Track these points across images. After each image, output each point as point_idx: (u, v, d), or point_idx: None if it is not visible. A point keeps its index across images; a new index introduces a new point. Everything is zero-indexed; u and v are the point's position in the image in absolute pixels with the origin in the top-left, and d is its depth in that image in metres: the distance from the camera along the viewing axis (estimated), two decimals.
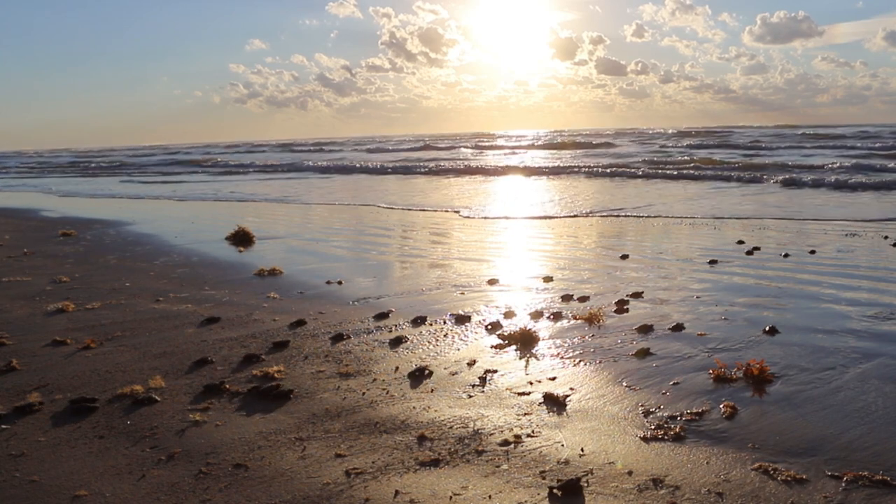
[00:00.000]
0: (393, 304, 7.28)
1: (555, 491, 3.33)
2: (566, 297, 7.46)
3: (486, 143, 68.74)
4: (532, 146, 60.34)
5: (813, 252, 10.03)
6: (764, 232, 12.61)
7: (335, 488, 3.41)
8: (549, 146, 58.35)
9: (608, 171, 29.60)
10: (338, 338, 6.06)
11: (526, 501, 3.28)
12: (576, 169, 31.21)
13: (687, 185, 23.07)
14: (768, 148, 42.37)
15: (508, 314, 6.76)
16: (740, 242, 11.08)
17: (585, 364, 5.29)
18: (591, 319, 6.46)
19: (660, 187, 22.83)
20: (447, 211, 17.68)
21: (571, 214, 16.14)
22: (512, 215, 16.36)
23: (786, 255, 9.88)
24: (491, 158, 44.71)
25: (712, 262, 9.42)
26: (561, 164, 34.24)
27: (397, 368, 5.22)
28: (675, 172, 26.81)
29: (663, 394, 4.64)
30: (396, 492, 3.37)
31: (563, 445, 3.87)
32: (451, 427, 4.13)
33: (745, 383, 4.80)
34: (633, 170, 29.41)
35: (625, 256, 10.00)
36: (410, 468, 3.62)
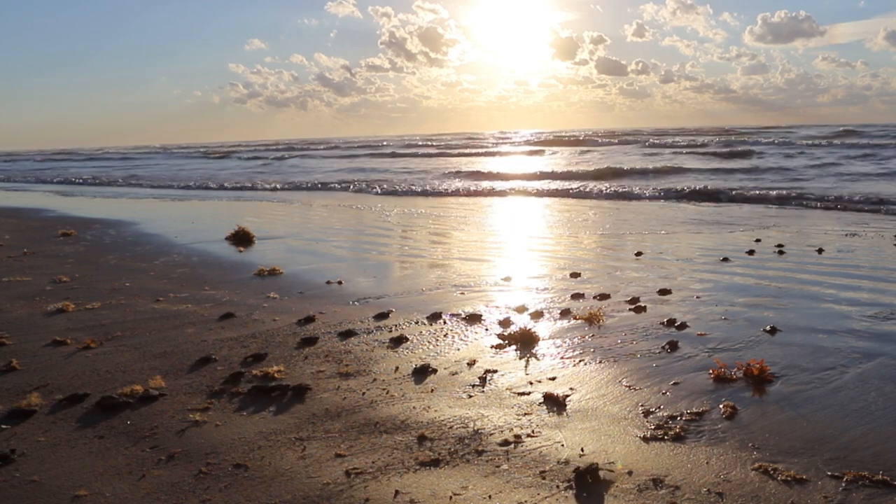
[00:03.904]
0: (393, 304, 7.27)
1: (572, 483, 3.39)
2: (565, 298, 7.46)
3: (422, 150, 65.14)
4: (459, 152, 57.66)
5: (820, 251, 10.10)
6: (764, 232, 12.61)
7: (335, 488, 3.41)
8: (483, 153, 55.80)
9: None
10: (338, 337, 6.07)
11: (526, 501, 3.28)
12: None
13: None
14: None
15: (508, 317, 6.76)
16: (757, 241, 11.27)
17: (585, 364, 5.29)
18: (591, 319, 6.46)
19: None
20: None
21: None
22: None
23: (780, 252, 9.98)
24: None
25: (724, 259, 9.59)
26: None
27: (397, 368, 5.23)
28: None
29: (663, 394, 4.64)
30: (396, 492, 3.37)
31: (563, 445, 3.87)
32: (451, 427, 4.13)
33: (745, 383, 4.80)
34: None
35: (625, 257, 10.01)
36: (410, 468, 3.62)
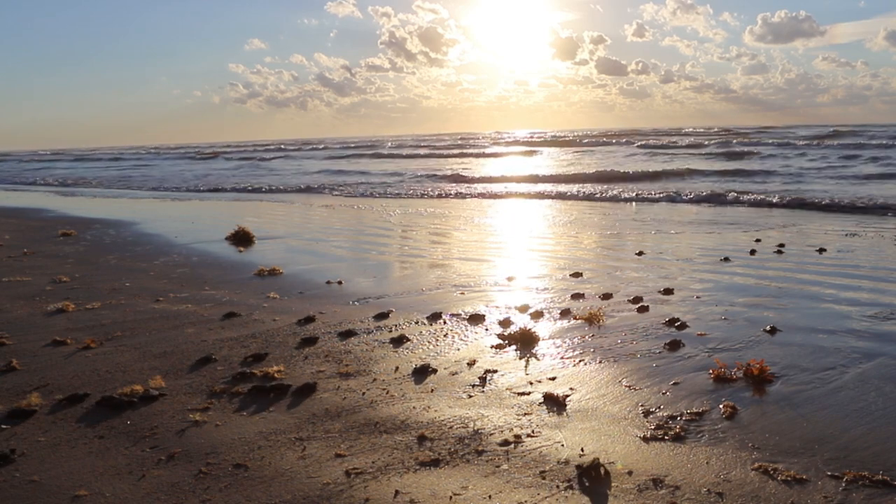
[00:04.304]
0: (393, 304, 7.27)
1: (582, 476, 3.44)
2: (565, 298, 7.46)
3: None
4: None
5: (821, 251, 10.16)
6: (764, 232, 12.61)
7: (335, 488, 3.41)
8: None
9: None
10: (338, 337, 6.07)
11: (526, 501, 3.28)
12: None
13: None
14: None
15: (508, 317, 6.76)
16: (758, 241, 11.34)
17: (585, 364, 5.29)
18: (591, 319, 6.46)
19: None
20: None
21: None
22: None
23: (780, 252, 10.02)
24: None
25: (725, 259, 9.64)
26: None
27: (397, 368, 5.22)
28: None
29: (663, 394, 4.64)
30: (396, 492, 3.37)
31: (563, 445, 3.87)
32: (451, 427, 4.13)
33: (745, 383, 4.80)
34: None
35: (625, 257, 10.01)
36: (410, 468, 3.62)
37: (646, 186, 24.21)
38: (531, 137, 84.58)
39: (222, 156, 66.92)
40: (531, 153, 51.96)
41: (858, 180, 24.18)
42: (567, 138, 72.17)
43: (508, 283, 8.31)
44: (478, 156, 51.30)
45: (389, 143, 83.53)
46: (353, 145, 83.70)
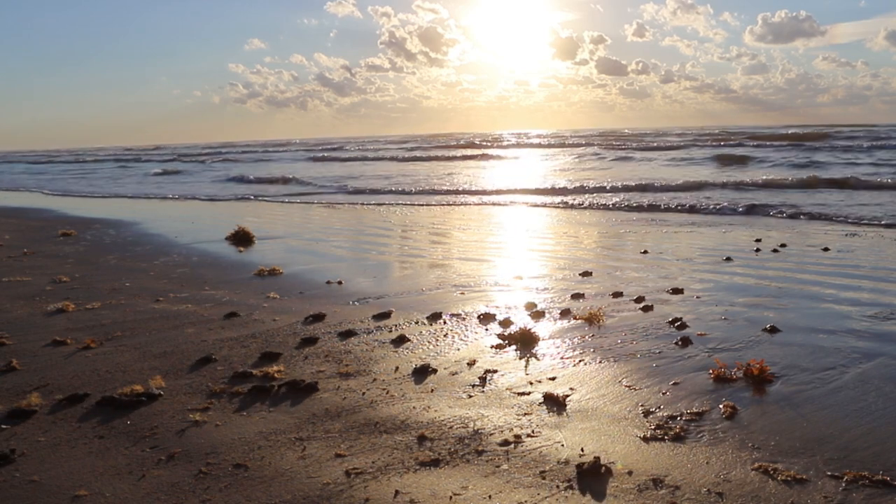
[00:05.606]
0: (393, 304, 7.27)
1: (582, 476, 3.46)
2: (566, 298, 7.46)
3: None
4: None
5: (826, 249, 10.22)
6: (765, 232, 12.62)
7: (335, 488, 3.41)
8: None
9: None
10: (338, 337, 6.07)
11: (526, 501, 3.28)
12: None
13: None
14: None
15: (508, 317, 6.76)
16: (758, 240, 11.35)
17: (585, 364, 5.29)
18: (591, 319, 6.46)
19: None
20: None
21: None
22: None
23: (780, 252, 10.03)
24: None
25: (726, 259, 9.67)
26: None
27: (397, 368, 5.23)
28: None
29: (663, 394, 4.64)
30: (396, 492, 3.37)
31: (563, 445, 3.87)
32: (451, 427, 4.13)
33: (745, 383, 4.80)
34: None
35: (625, 257, 10.01)
36: (410, 468, 3.62)
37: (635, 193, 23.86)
38: (526, 139, 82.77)
39: (181, 159, 65.17)
40: (483, 157, 48.39)
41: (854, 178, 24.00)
42: (549, 142, 69.72)
43: (508, 284, 8.31)
44: (429, 159, 48.58)
45: (381, 142, 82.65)
46: (319, 147, 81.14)
